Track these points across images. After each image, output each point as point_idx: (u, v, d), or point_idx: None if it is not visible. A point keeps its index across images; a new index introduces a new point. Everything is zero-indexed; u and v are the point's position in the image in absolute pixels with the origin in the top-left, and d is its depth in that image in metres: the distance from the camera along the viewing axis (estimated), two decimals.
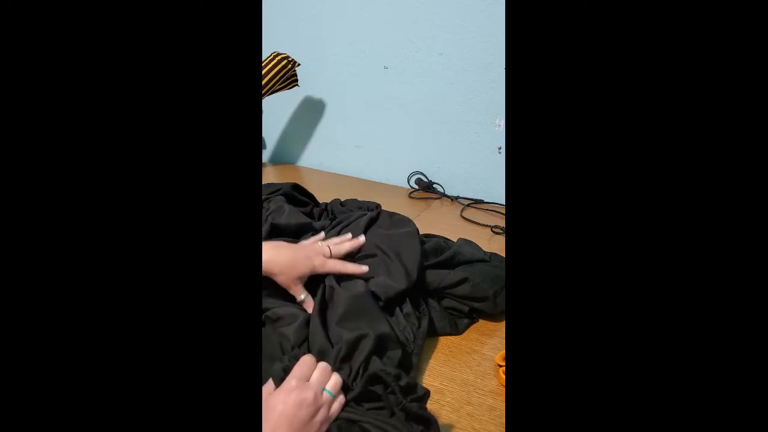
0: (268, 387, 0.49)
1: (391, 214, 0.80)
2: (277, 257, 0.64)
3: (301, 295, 0.66)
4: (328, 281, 0.67)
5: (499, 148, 1.17)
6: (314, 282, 0.68)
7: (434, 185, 1.25)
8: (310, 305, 0.65)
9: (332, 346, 0.59)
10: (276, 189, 0.93)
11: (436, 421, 0.49)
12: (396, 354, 0.59)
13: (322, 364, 0.50)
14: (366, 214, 0.80)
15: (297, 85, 1.29)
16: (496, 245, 0.93)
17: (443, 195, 1.22)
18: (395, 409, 0.50)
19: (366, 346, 0.57)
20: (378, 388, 0.51)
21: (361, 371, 0.55)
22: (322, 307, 0.65)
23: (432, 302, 0.70)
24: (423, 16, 1.15)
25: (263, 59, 1.22)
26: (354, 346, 0.57)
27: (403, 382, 0.50)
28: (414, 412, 0.48)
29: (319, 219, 0.90)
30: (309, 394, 0.46)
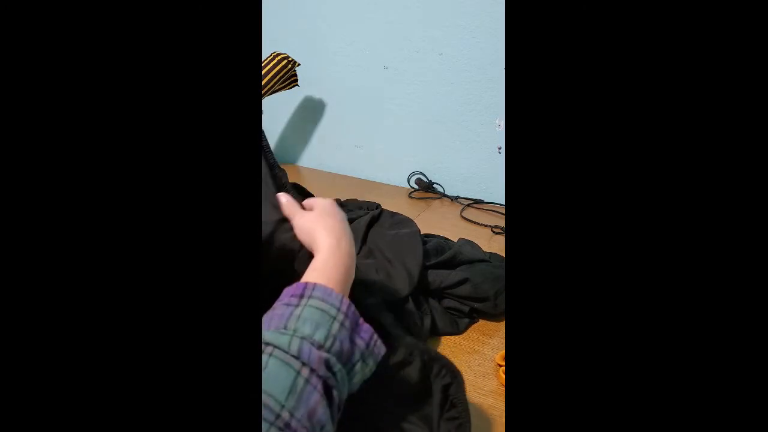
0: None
1: (393, 214, 0.80)
2: None
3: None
4: None
5: (499, 148, 1.17)
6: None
7: (434, 185, 1.25)
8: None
9: None
10: None
11: (460, 374, 0.48)
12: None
13: None
14: (367, 213, 0.80)
15: (297, 85, 1.29)
16: (496, 245, 0.93)
17: (443, 195, 1.22)
18: (414, 354, 0.48)
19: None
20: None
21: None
22: None
23: (433, 302, 0.70)
24: (423, 16, 1.15)
25: (263, 59, 1.22)
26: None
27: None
28: (433, 354, 0.48)
29: None
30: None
